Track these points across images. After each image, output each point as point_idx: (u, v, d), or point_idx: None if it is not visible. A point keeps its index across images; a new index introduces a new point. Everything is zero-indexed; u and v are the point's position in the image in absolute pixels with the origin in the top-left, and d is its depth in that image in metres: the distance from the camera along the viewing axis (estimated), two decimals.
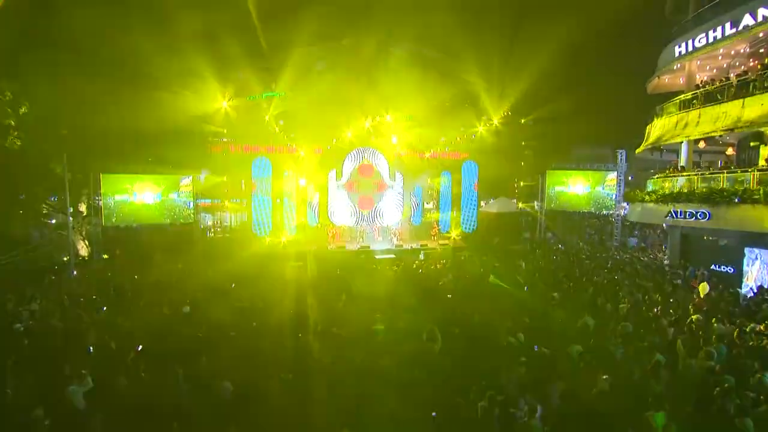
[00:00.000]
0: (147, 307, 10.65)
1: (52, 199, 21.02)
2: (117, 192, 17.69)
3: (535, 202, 24.74)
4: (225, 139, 21.48)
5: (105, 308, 10.73)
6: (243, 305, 10.58)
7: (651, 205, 14.85)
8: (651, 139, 15.69)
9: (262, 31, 19.04)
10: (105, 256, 19.99)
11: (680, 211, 13.59)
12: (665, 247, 17.74)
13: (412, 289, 12.69)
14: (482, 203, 25.51)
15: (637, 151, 17.56)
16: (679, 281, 13.36)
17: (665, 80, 17.09)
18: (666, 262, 16.36)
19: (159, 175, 18.87)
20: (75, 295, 12.27)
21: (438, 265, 17.20)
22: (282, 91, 21.26)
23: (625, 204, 22.22)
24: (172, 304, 10.89)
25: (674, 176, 14.97)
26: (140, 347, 8.05)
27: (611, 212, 23.12)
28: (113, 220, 18.07)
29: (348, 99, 21.52)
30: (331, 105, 21.28)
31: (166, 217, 20.01)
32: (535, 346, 7.80)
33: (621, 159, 22.45)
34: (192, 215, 19.98)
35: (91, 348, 7.82)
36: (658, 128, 15.28)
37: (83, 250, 20.62)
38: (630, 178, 24.41)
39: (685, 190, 13.57)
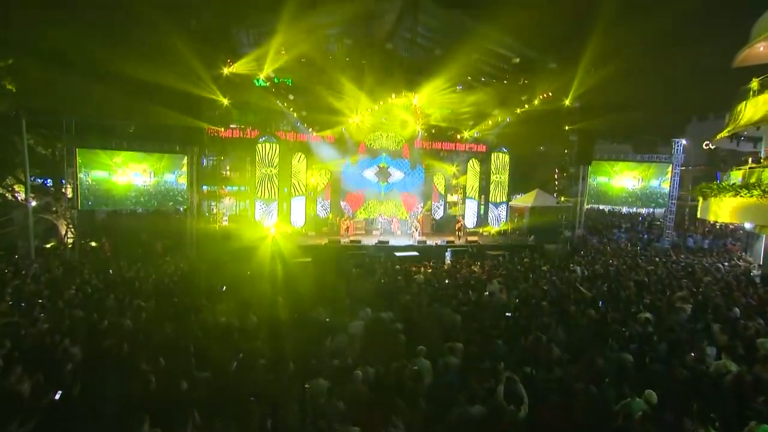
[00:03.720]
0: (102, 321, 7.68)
1: (38, 180, 18.35)
2: (96, 168, 14.67)
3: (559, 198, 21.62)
4: (235, 127, 18.68)
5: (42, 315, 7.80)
6: (229, 321, 7.56)
7: (752, 201, 11.53)
8: (749, 118, 12.31)
9: None
10: (93, 244, 17.39)
11: None
12: (747, 253, 14.49)
13: (453, 301, 9.68)
14: (514, 196, 22.36)
15: (719, 135, 14.22)
16: None
17: (759, 49, 13.71)
18: (756, 272, 13.12)
19: (150, 153, 15.91)
20: (27, 295, 9.47)
21: (475, 268, 14.15)
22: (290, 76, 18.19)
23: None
24: (137, 314, 7.99)
25: None
26: (59, 394, 5.12)
27: (660, 210, 19.88)
28: (90, 203, 15.16)
29: (365, 76, 18.31)
30: (347, 82, 18.14)
31: (159, 203, 17.16)
32: (689, 423, 4.70)
33: (677, 149, 19.14)
34: (186, 201, 17.07)
35: None
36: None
37: (68, 237, 17.94)
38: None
39: None
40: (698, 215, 14.59)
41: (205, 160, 20.53)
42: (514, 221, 22.32)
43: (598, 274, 13.00)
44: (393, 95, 18.77)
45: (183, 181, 17.09)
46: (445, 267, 14.65)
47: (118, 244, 16.61)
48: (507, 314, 9.05)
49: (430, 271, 13.71)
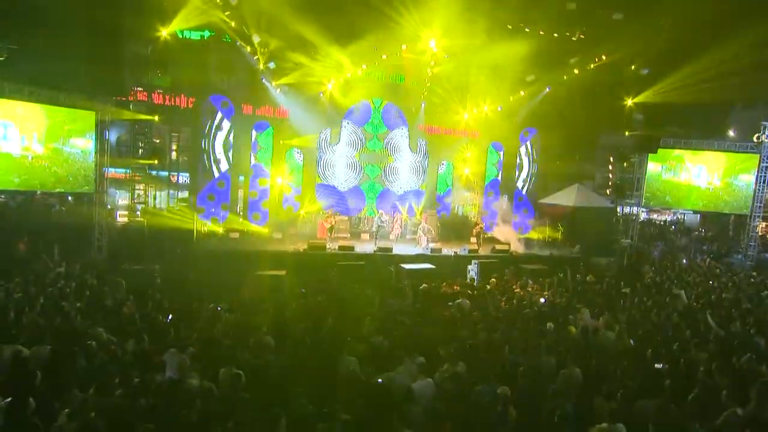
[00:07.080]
0: None
1: None
2: None
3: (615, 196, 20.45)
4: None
5: None
6: (205, 386, 4.84)
7: None
8: None
9: None
10: None
11: None
12: None
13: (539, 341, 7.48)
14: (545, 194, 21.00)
15: None
16: None
17: None
18: None
19: (34, 102, 12.73)
20: None
21: (531, 289, 12.22)
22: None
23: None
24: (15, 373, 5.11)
25: None
26: None
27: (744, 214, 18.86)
28: None
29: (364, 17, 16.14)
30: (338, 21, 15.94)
31: (60, 183, 14.23)
32: None
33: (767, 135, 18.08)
34: (92, 183, 14.11)
35: None
36: None
37: None
38: None
39: None
40: None
41: (109, 133, 17.37)
42: (545, 225, 21.01)
43: (711, 301, 11.27)
44: (404, 46, 16.60)
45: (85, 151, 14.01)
46: (489, 286, 12.54)
47: None
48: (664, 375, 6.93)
49: (471, 292, 11.55)
